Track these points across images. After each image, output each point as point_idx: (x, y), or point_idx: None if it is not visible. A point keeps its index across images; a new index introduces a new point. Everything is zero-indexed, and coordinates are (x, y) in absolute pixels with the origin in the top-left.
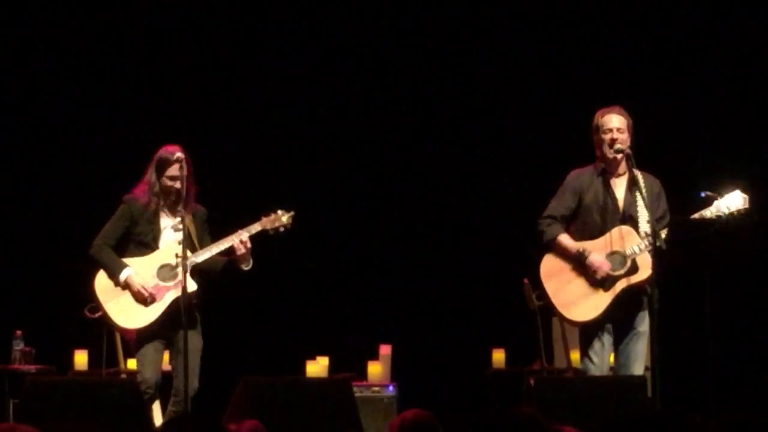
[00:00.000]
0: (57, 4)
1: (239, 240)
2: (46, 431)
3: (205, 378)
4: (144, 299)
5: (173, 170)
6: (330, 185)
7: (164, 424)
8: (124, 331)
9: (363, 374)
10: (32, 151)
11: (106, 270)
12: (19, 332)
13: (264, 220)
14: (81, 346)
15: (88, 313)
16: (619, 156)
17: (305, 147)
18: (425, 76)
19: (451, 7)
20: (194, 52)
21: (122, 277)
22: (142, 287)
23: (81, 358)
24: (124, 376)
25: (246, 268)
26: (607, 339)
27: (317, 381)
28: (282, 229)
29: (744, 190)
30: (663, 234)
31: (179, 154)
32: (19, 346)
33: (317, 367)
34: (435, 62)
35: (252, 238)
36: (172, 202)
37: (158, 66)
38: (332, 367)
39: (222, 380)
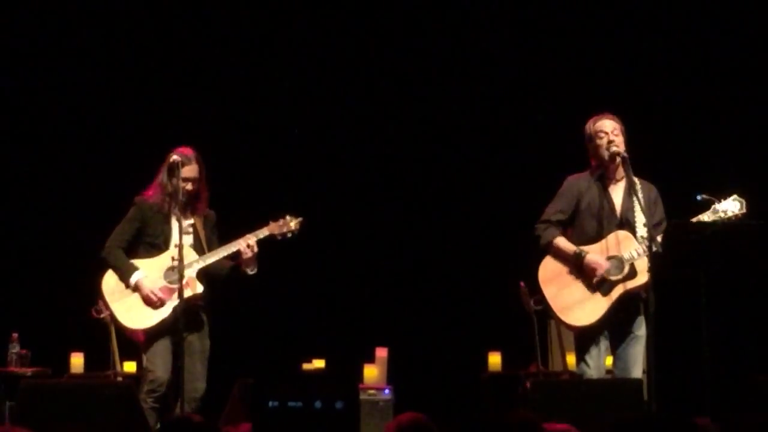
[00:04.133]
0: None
1: (246, 244)
2: None
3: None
4: (153, 303)
5: (187, 172)
6: (327, 189)
7: (162, 427)
8: (131, 332)
9: (359, 377)
10: (29, 155)
11: (116, 272)
12: (15, 335)
13: (272, 224)
14: (77, 349)
15: (94, 313)
16: (616, 159)
17: (307, 151)
18: (423, 85)
19: (451, 12)
20: (206, 54)
21: (132, 280)
22: (151, 291)
23: (77, 361)
24: (120, 378)
25: (251, 273)
26: (604, 343)
27: None
28: (289, 235)
29: (741, 195)
30: (660, 239)
31: (191, 156)
32: (15, 348)
33: (313, 369)
34: (434, 70)
35: (258, 242)
36: (184, 204)
37: (167, 67)
38: None
39: (218, 383)
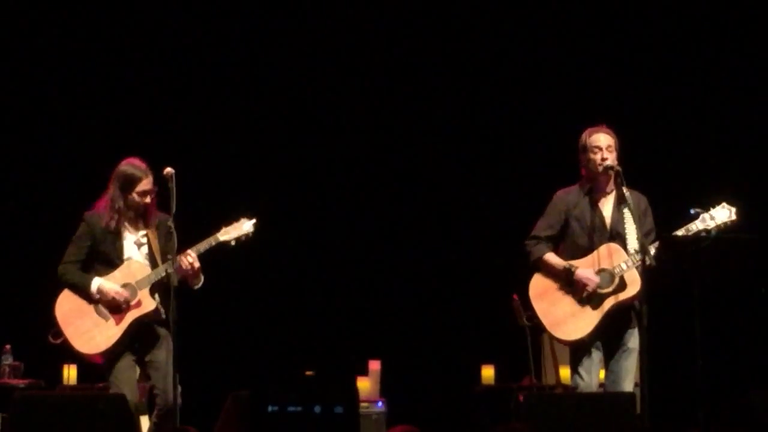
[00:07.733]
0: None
1: (187, 260)
2: None
3: (194, 393)
4: (119, 304)
5: (143, 185)
6: (319, 200)
7: None
8: (88, 357)
9: None
10: (19, 164)
11: (75, 288)
12: (8, 347)
13: (223, 230)
14: (70, 361)
15: (51, 339)
16: (609, 174)
17: (293, 158)
18: (413, 92)
19: (446, 18)
20: (157, 55)
21: (93, 287)
22: (116, 292)
23: (70, 373)
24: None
25: (195, 287)
26: (597, 355)
27: None
28: (244, 239)
29: (731, 203)
30: (652, 250)
31: (145, 168)
32: (8, 360)
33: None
34: (424, 76)
35: (218, 250)
36: (136, 216)
37: (118, 70)
38: None
39: (211, 395)
